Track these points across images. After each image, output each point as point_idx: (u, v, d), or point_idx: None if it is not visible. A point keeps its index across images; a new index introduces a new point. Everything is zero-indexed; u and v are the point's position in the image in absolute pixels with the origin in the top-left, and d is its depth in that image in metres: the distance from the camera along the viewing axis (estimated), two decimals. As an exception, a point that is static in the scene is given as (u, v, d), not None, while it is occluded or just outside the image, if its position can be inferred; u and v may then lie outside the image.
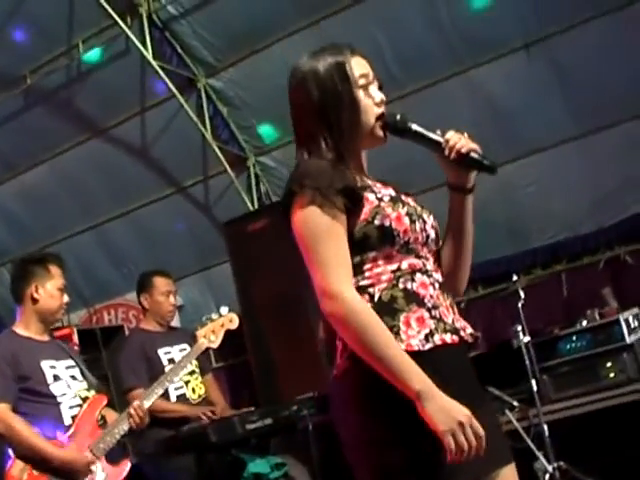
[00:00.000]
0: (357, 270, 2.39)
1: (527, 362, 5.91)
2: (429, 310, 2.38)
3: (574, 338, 6.35)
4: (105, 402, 4.64)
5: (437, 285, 2.45)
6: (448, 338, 2.36)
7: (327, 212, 2.33)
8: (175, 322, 8.90)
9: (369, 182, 2.49)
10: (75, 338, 8.20)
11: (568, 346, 6.36)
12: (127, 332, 9.22)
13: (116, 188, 8.88)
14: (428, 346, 2.32)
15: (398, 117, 2.55)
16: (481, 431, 2.23)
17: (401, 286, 2.39)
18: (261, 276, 7.44)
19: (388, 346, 2.25)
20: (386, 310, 2.36)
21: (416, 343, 2.32)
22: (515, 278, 6.24)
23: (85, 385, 4.65)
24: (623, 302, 6.83)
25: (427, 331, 2.34)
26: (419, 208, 2.50)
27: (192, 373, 5.89)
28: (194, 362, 5.83)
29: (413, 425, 2.25)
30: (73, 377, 4.62)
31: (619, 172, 7.02)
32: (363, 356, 2.27)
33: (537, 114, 7.16)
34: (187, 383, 5.82)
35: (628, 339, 6.09)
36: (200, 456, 5.51)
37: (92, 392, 4.65)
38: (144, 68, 7.83)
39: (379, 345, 2.25)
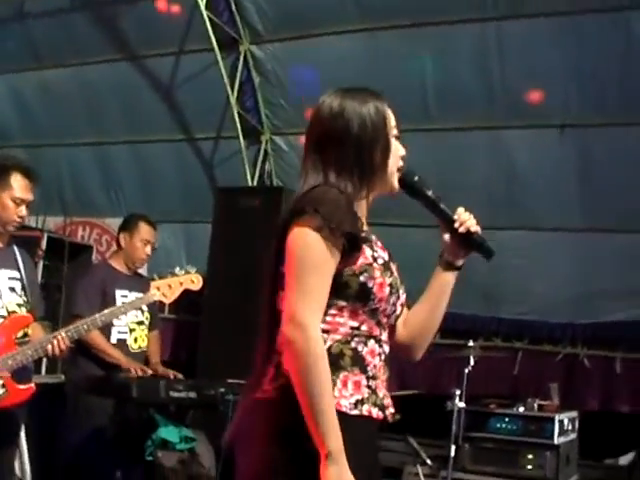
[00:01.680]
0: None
1: (454, 426, 5.90)
2: (368, 379, 2.41)
3: (506, 420, 6.35)
4: (29, 323, 4.49)
5: (383, 357, 2.49)
6: (375, 412, 2.40)
7: (328, 247, 2.33)
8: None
9: (373, 237, 2.52)
10: (43, 243, 8.19)
11: (499, 425, 6.35)
12: (95, 254, 9.27)
13: (131, 116, 8.81)
14: (354, 412, 2.35)
15: (416, 178, 2.61)
16: None
17: (353, 345, 2.41)
18: (236, 251, 7.44)
19: (324, 398, 2.24)
20: (330, 362, 2.34)
21: (345, 405, 2.34)
22: (471, 344, 6.23)
23: (19, 300, 4.55)
24: (566, 401, 6.85)
25: (359, 398, 2.37)
26: (399, 281, 2.52)
27: (140, 324, 5.94)
28: (146, 314, 5.94)
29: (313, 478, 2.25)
30: (12, 289, 4.55)
31: (607, 278, 6.99)
32: (298, 394, 2.25)
33: (550, 194, 7.13)
34: (132, 331, 5.87)
35: (556, 440, 6.08)
36: (119, 404, 5.53)
37: (23, 310, 4.55)
38: (194, 13, 7.71)
39: (318, 393, 2.23)
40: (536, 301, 7.37)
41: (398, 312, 2.55)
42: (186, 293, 8.26)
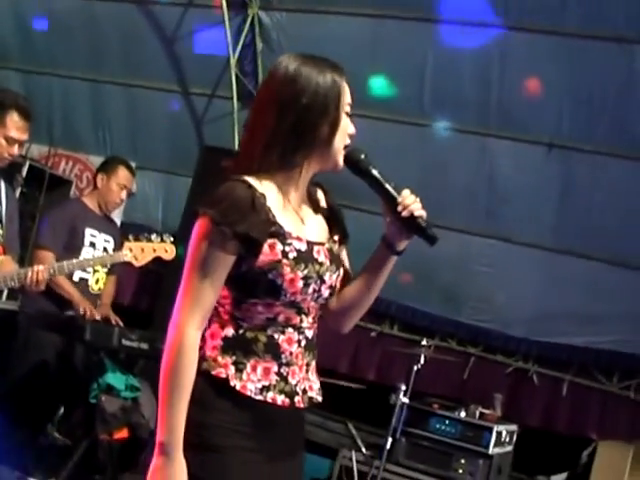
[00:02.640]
0: (235, 300, 2.43)
1: (393, 420, 5.96)
2: (280, 365, 2.43)
3: (446, 422, 6.42)
4: None
5: (304, 343, 2.49)
6: (279, 400, 2.41)
7: (215, 250, 2.32)
8: (120, 208, 8.98)
9: (287, 229, 2.41)
10: (24, 171, 8.18)
11: (438, 425, 6.42)
12: (73, 189, 9.26)
13: (130, 59, 8.79)
14: (259, 397, 2.38)
15: (363, 156, 2.51)
16: None
17: (268, 332, 2.43)
18: (211, 211, 7.41)
19: (179, 393, 2.29)
20: (242, 346, 2.41)
21: (251, 389, 2.38)
22: (424, 342, 6.29)
23: None
24: (508, 413, 6.93)
25: (266, 384, 2.40)
26: (325, 266, 2.47)
27: (104, 266, 5.93)
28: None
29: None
30: None
31: (569, 301, 7.05)
32: (161, 383, 2.30)
33: (527, 209, 7.18)
34: (95, 272, 5.90)
35: (491, 449, 6.16)
36: (70, 342, 5.58)
37: None
38: (209, -32, 7.69)
39: (176, 385, 2.28)
40: (496, 311, 7.43)
41: (326, 295, 2.51)
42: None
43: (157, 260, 5.02)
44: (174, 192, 8.90)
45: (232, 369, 2.39)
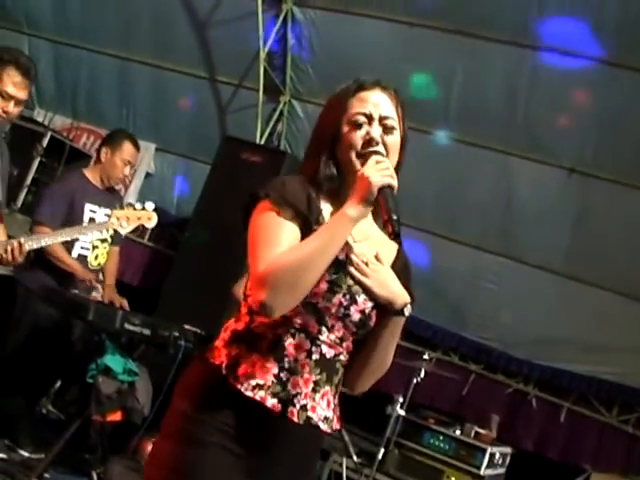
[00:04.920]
0: None
1: (388, 431, 5.94)
2: (281, 369, 2.38)
3: (441, 437, 6.44)
4: None
5: (316, 357, 2.42)
6: (269, 402, 2.35)
7: (278, 218, 2.37)
8: (136, 187, 8.99)
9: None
10: (45, 141, 8.17)
11: (432, 440, 6.44)
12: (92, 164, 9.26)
13: (160, 40, 8.76)
14: (248, 394, 2.35)
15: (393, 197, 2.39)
16: None
17: (278, 332, 2.40)
18: (226, 201, 7.39)
19: (309, 246, 2.31)
20: (248, 340, 2.41)
21: (242, 383, 2.35)
22: (426, 356, 6.27)
23: None
24: (503, 434, 6.91)
25: (260, 382, 2.36)
26: (358, 288, 2.44)
27: (104, 241, 5.93)
28: (111, 232, 5.79)
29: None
30: None
31: (575, 328, 7.02)
32: (290, 279, 2.27)
33: (542, 231, 7.13)
34: (94, 248, 5.87)
35: (483, 470, 6.17)
36: (70, 319, 5.57)
37: None
38: (248, -40, 7.61)
39: (312, 256, 2.29)
40: (501, 330, 7.40)
41: (356, 319, 2.44)
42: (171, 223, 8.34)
43: (140, 227, 5.00)
44: (191, 177, 8.90)
45: (229, 360, 2.39)
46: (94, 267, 5.87)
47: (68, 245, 5.61)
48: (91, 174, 5.95)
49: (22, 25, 9.62)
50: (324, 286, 2.37)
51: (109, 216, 5.12)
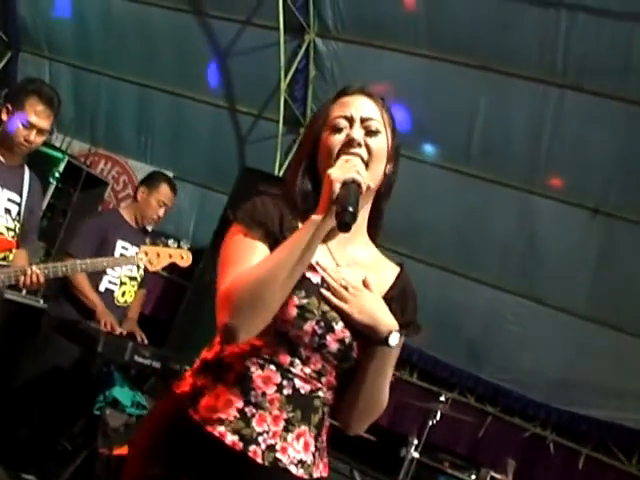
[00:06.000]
0: None
1: (401, 474, 5.82)
2: (247, 404, 2.17)
3: (455, 483, 6.32)
4: (10, 248, 4.40)
5: (288, 392, 2.20)
6: (229, 438, 2.14)
7: (243, 238, 2.22)
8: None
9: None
10: (62, 166, 8.13)
11: (446, 484, 6.33)
12: (109, 191, 9.23)
13: (181, 69, 8.73)
14: (207, 427, 2.15)
15: (358, 184, 2.13)
16: None
17: (246, 363, 2.19)
18: (243, 233, 7.34)
19: (271, 258, 2.14)
20: (216, 371, 2.22)
21: (204, 417, 2.16)
22: (442, 398, 6.13)
23: (10, 224, 4.45)
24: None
25: (222, 417, 2.16)
26: (334, 314, 2.21)
27: (133, 279, 5.82)
28: (140, 272, 5.79)
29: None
30: (7, 211, 4.44)
31: (595, 372, 6.90)
32: (248, 301, 2.08)
33: (563, 272, 7.04)
34: (122, 284, 5.75)
35: (495, 518, 6.03)
36: (85, 350, 5.49)
37: (10, 234, 4.45)
38: (271, -9, 7.56)
39: (274, 268, 2.09)
40: (519, 372, 7.26)
41: (333, 349, 2.21)
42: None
43: (173, 266, 4.85)
44: (209, 208, 8.79)
45: (193, 391, 2.21)
46: (120, 304, 5.76)
47: (97, 279, 5.54)
48: (126, 212, 5.88)
49: (44, 49, 9.64)
50: (293, 311, 2.15)
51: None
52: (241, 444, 2.14)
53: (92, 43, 9.28)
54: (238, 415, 2.15)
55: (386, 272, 2.40)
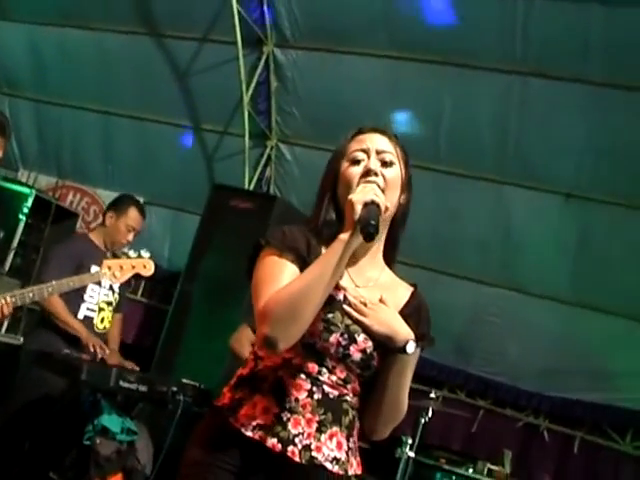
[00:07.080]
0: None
1: (399, 475, 5.78)
2: (282, 410, 2.40)
3: (453, 477, 6.33)
4: None
5: (318, 396, 2.44)
6: (269, 441, 2.37)
7: (276, 259, 2.46)
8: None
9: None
10: (30, 201, 8.04)
11: (444, 480, 6.30)
12: (79, 222, 9.13)
13: (141, 92, 8.69)
14: (248, 434, 2.38)
15: (377, 205, 2.38)
16: None
17: (279, 374, 2.44)
18: (219, 250, 7.34)
19: (305, 276, 2.37)
20: (252, 384, 2.47)
21: (243, 423, 2.39)
22: (432, 395, 6.10)
23: None
24: (518, 470, 6.77)
25: (261, 423, 2.39)
26: (357, 327, 2.45)
27: (109, 304, 5.79)
28: (115, 296, 5.78)
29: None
30: None
31: (585, 355, 6.90)
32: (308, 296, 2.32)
33: (542, 260, 7.04)
34: (101, 310, 5.73)
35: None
36: (69, 380, 5.41)
37: None
38: (226, 4, 7.44)
39: (309, 283, 2.33)
40: (508, 364, 7.27)
41: (356, 358, 2.45)
42: (163, 277, 8.21)
43: (137, 276, 4.79)
44: (181, 229, 8.78)
45: (232, 403, 2.45)
46: (99, 330, 5.72)
47: (75, 307, 5.50)
48: (95, 237, 5.81)
49: (1, 86, 9.55)
50: (320, 325, 2.41)
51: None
52: (280, 445, 2.37)
53: (50, 75, 9.23)
54: (275, 420, 2.39)
55: (401, 291, 2.64)
